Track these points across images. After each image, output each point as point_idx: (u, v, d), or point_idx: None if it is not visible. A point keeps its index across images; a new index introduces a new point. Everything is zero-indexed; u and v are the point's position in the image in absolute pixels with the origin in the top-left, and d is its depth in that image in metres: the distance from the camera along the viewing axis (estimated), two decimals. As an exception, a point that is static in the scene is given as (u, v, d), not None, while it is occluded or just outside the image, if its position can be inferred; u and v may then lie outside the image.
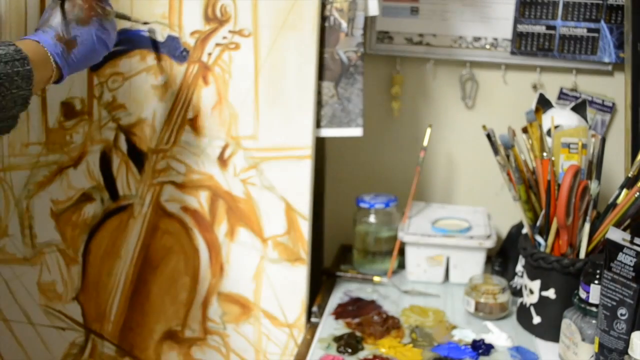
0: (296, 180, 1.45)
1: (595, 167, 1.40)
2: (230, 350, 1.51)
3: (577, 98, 1.65)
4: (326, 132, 1.48)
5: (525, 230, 1.46)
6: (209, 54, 1.44)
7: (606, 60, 1.62)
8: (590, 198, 1.35)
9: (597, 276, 1.22)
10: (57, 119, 1.49)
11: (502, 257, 1.64)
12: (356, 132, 1.48)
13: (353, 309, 1.50)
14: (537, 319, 1.39)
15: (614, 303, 1.12)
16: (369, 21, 1.69)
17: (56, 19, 1.16)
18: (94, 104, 1.49)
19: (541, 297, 1.38)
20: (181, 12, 1.44)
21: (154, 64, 1.46)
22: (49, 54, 1.14)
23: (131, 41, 1.46)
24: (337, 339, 1.38)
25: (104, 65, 1.47)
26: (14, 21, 1.47)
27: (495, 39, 1.67)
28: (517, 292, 1.50)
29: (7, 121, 1.07)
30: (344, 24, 1.44)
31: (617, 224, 1.32)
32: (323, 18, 1.44)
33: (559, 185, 1.34)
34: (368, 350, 1.35)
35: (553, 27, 1.63)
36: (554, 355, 1.32)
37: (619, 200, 1.34)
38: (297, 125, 1.44)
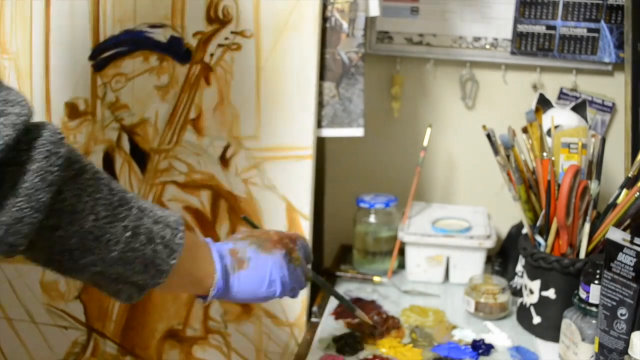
0: (297, 180, 1.46)
1: (595, 167, 1.40)
2: (232, 350, 1.52)
3: (577, 98, 1.65)
4: (327, 132, 1.49)
5: (525, 230, 1.46)
6: (211, 55, 1.45)
7: (606, 60, 1.63)
8: (590, 198, 1.35)
9: (597, 276, 1.22)
10: (61, 119, 1.49)
11: (502, 257, 1.64)
12: (357, 132, 1.49)
13: (353, 308, 1.51)
14: (537, 319, 1.39)
15: (614, 303, 1.13)
16: (369, 21, 1.69)
17: (239, 237, 1.05)
18: (98, 104, 1.49)
19: (541, 297, 1.38)
20: (184, 14, 1.44)
21: (156, 64, 1.47)
22: (214, 259, 0.99)
23: (134, 42, 1.46)
24: (337, 339, 1.38)
25: (107, 66, 1.48)
26: (19, 28, 1.47)
27: (495, 39, 1.68)
28: (517, 292, 1.50)
29: (128, 286, 0.90)
30: (345, 25, 1.45)
31: (617, 224, 1.32)
32: (324, 19, 1.44)
33: (559, 185, 1.35)
34: (368, 350, 1.35)
35: (553, 27, 1.64)
36: (554, 355, 1.32)
37: (619, 200, 1.35)
38: (298, 125, 1.45)
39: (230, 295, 1.02)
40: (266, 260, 1.03)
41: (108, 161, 1.50)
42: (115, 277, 0.87)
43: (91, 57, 1.48)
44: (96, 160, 1.50)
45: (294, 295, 1.10)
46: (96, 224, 0.82)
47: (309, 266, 1.15)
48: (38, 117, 1.47)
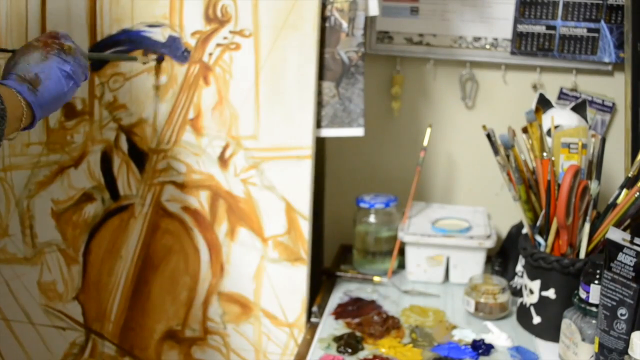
0: (296, 180, 1.45)
1: (595, 167, 1.40)
2: (231, 350, 1.51)
3: (577, 98, 1.65)
4: (327, 132, 1.48)
5: (525, 230, 1.46)
6: (210, 54, 1.45)
7: (606, 60, 1.62)
8: (590, 198, 1.35)
9: (597, 276, 1.22)
10: (58, 119, 1.49)
11: (502, 257, 1.64)
12: (357, 132, 1.49)
13: (353, 309, 1.50)
14: (537, 319, 1.39)
15: (614, 303, 1.12)
16: (369, 21, 1.69)
17: (12, 64, 1.12)
18: (95, 104, 1.49)
19: (541, 297, 1.38)
20: (182, 13, 1.44)
21: (155, 64, 1.46)
22: (15, 92, 1.08)
23: (132, 41, 1.46)
24: (337, 339, 1.38)
25: (105, 65, 1.47)
26: (15, 27, 1.47)
27: (495, 39, 1.67)
28: (517, 292, 1.50)
29: None
30: (345, 24, 1.44)
31: (617, 224, 1.32)
32: (324, 18, 1.44)
33: (559, 185, 1.34)
34: (368, 350, 1.35)
35: (553, 27, 1.63)
36: (554, 355, 1.32)
37: (619, 200, 1.34)
38: (297, 125, 1.44)
39: (47, 108, 1.13)
40: (50, 66, 1.13)
41: (106, 161, 1.50)
42: None
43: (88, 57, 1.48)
44: (94, 160, 1.50)
45: (86, 77, 1.22)
46: None
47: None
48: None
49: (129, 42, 1.46)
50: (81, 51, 1.20)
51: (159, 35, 1.45)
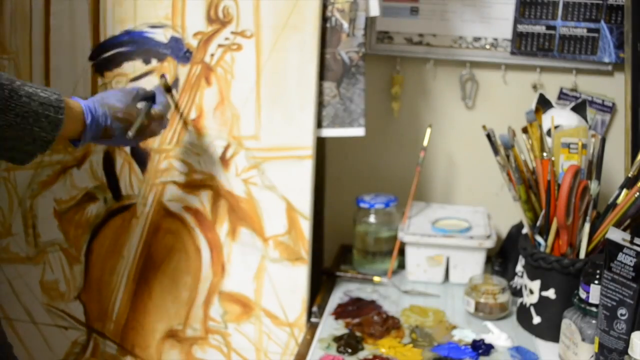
0: (297, 180, 1.46)
1: (595, 167, 1.40)
2: (232, 350, 1.52)
3: (577, 98, 1.65)
4: (328, 132, 1.49)
5: (525, 230, 1.46)
6: (212, 55, 1.45)
7: (606, 60, 1.63)
8: (590, 198, 1.35)
9: (597, 276, 1.22)
10: (61, 120, 1.50)
11: (502, 257, 1.65)
12: (358, 132, 1.49)
13: (353, 309, 1.51)
14: (537, 319, 1.39)
15: (614, 303, 1.13)
16: (369, 21, 1.69)
17: (116, 108, 1.26)
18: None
19: (541, 297, 1.38)
20: (184, 14, 1.44)
21: (157, 65, 1.47)
22: (84, 117, 1.21)
23: (135, 42, 1.46)
24: (337, 339, 1.38)
25: (108, 66, 1.48)
26: (19, 27, 1.48)
27: (495, 39, 1.67)
28: (517, 292, 1.50)
29: (21, 154, 1.13)
30: (346, 25, 1.45)
31: (617, 224, 1.32)
32: (324, 19, 1.44)
33: (559, 185, 1.35)
34: (368, 350, 1.35)
35: (553, 27, 1.64)
36: (554, 355, 1.32)
37: (619, 200, 1.35)
38: (298, 126, 1.45)
39: (94, 138, 1.25)
40: (126, 141, 1.29)
41: (108, 161, 1.51)
42: (9, 148, 1.12)
43: (91, 58, 1.49)
44: (97, 160, 1.51)
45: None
46: None
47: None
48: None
49: (132, 43, 1.46)
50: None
51: (161, 36, 1.46)
